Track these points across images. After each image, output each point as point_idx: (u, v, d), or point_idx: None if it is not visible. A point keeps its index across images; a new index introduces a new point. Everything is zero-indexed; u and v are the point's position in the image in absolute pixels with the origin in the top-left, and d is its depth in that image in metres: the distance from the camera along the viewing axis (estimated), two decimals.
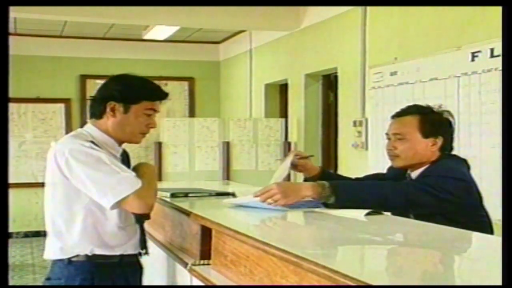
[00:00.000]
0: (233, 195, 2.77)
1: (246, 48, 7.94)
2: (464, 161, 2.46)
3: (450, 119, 2.48)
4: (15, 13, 5.82)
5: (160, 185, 2.72)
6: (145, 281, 2.53)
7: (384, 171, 2.73)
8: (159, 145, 6.72)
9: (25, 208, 8.05)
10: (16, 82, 6.32)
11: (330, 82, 6.41)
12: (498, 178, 3.40)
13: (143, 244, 2.44)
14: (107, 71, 2.87)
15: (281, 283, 1.61)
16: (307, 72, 6.43)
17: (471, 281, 1.38)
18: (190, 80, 9.01)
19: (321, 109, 6.51)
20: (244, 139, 6.80)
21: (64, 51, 8.49)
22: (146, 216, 2.34)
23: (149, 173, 2.35)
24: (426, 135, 2.41)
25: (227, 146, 6.74)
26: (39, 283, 5.64)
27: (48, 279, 2.33)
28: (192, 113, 8.93)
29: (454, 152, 2.51)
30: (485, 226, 2.33)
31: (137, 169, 2.35)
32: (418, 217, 2.26)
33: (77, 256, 2.27)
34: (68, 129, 8.22)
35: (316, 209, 2.26)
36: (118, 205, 2.19)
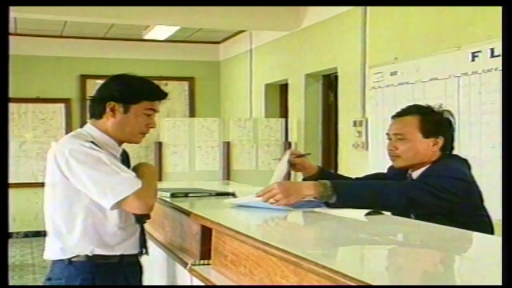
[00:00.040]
0: (233, 195, 2.77)
1: (246, 48, 7.94)
2: (465, 161, 2.46)
3: (451, 119, 2.48)
4: (15, 13, 5.82)
5: (160, 185, 2.72)
6: (145, 281, 2.53)
7: (385, 171, 2.73)
8: (159, 145, 6.72)
9: (25, 208, 8.05)
10: (16, 82, 6.33)
11: (330, 82, 6.40)
12: (498, 178, 3.40)
13: (143, 244, 2.44)
14: (107, 71, 2.87)
15: (281, 283, 1.61)
16: (307, 72, 6.43)
17: (471, 281, 1.38)
18: (190, 80, 9.02)
19: (321, 109, 6.51)
20: (244, 139, 6.81)
21: (64, 51, 8.49)
22: (147, 216, 2.34)
23: (149, 173, 2.35)
24: (427, 135, 2.41)
25: (227, 146, 6.74)
26: (39, 283, 5.64)
27: (48, 279, 2.33)
28: (192, 113, 8.93)
29: (454, 152, 2.51)
30: (486, 226, 2.33)
31: (137, 169, 2.35)
32: (419, 217, 2.26)
33: (77, 256, 2.27)
34: (68, 129, 8.22)
35: (316, 209, 2.26)
36: (118, 205, 2.19)
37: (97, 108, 2.36)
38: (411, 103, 2.64)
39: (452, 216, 2.22)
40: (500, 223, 2.10)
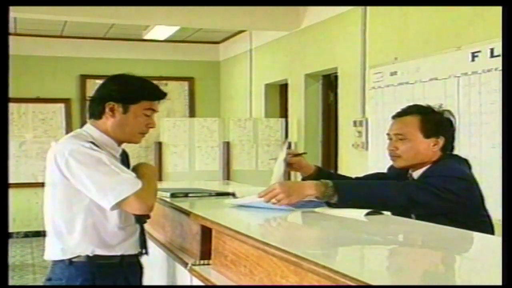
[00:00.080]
0: (233, 195, 2.77)
1: (246, 48, 7.94)
2: (465, 161, 2.46)
3: (451, 118, 2.48)
4: (15, 13, 5.82)
5: (160, 185, 2.72)
6: (145, 281, 2.53)
7: (384, 171, 2.73)
8: (159, 145, 6.72)
9: (25, 208, 8.05)
10: (16, 82, 6.32)
11: (330, 82, 6.40)
12: (498, 178, 3.40)
13: (143, 244, 2.44)
14: (107, 71, 2.86)
15: (281, 283, 1.61)
16: (307, 72, 6.42)
17: (471, 281, 1.38)
18: (190, 80, 9.01)
19: (321, 109, 6.51)
20: (244, 139, 6.81)
21: (64, 51, 8.49)
22: (146, 216, 2.34)
23: (149, 174, 2.35)
24: (427, 135, 2.41)
25: (227, 146, 6.74)
26: (39, 283, 5.64)
27: (49, 279, 2.33)
28: (192, 113, 8.93)
29: (454, 152, 2.51)
30: (486, 226, 2.32)
31: (137, 170, 2.35)
32: (420, 217, 2.26)
33: (78, 256, 2.27)
34: (68, 129, 8.22)
35: (316, 209, 2.26)
36: (118, 206, 2.19)
37: (96, 108, 2.36)
38: (411, 103, 2.64)
39: (452, 216, 2.22)
40: (500, 223, 2.10)
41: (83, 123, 2.55)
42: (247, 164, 6.76)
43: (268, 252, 1.66)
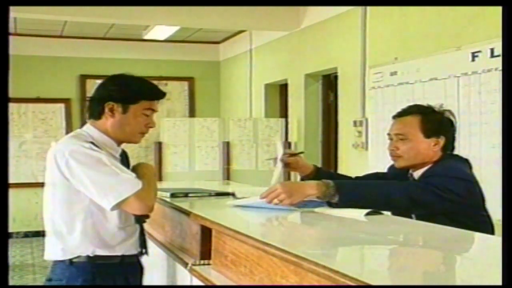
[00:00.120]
0: (233, 195, 2.77)
1: (246, 48, 7.94)
2: (466, 161, 2.46)
3: (452, 118, 2.48)
4: (15, 13, 5.82)
5: (160, 185, 2.72)
6: (145, 281, 2.53)
7: (385, 170, 2.73)
8: (159, 145, 6.72)
9: (25, 208, 8.05)
10: (16, 82, 6.32)
11: (330, 82, 6.40)
12: (498, 178, 3.40)
13: (143, 244, 2.44)
14: (107, 71, 2.86)
15: (281, 283, 1.61)
16: (307, 72, 6.43)
17: (471, 281, 1.38)
18: (190, 80, 9.01)
19: (321, 109, 6.51)
20: (244, 139, 6.81)
21: (64, 51, 8.49)
22: (146, 216, 2.34)
23: (149, 174, 2.35)
24: (428, 135, 2.41)
25: (227, 146, 6.74)
26: (39, 283, 5.64)
27: (49, 280, 2.33)
28: (192, 113, 8.93)
29: (454, 152, 2.51)
30: (486, 226, 2.32)
31: (137, 170, 2.35)
32: (420, 217, 2.26)
33: (78, 257, 2.27)
34: (68, 129, 8.22)
35: (317, 209, 2.26)
36: (118, 206, 2.19)
37: (95, 108, 2.36)
38: (411, 103, 2.64)
39: (453, 216, 2.21)
40: (500, 223, 2.10)
41: (83, 123, 2.55)
42: (247, 164, 6.76)
43: (268, 252, 1.66)
